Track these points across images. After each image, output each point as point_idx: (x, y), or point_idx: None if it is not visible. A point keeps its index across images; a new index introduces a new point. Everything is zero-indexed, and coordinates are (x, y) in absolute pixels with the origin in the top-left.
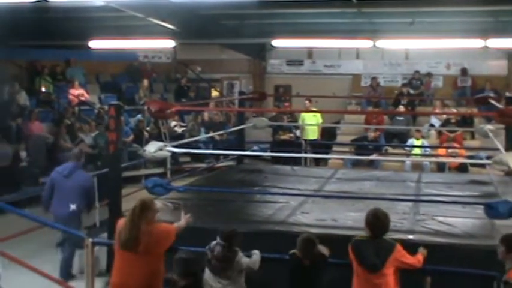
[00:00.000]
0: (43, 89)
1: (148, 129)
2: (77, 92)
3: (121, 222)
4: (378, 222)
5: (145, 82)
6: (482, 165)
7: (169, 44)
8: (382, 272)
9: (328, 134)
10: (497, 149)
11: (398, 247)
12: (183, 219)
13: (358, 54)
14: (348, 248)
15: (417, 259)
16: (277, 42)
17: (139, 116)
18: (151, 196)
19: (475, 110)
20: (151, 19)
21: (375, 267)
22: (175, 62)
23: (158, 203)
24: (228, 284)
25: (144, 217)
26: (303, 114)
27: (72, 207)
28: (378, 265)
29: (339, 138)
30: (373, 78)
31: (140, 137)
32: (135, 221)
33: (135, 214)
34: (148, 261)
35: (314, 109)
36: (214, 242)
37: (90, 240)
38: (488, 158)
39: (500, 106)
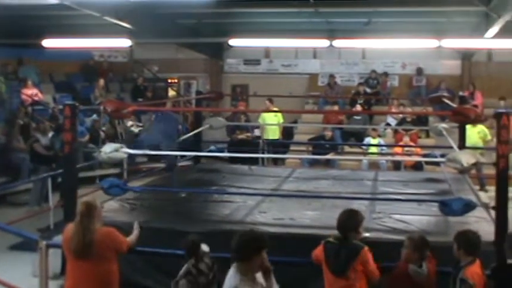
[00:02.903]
0: None
1: (104, 129)
2: (30, 91)
3: (69, 229)
4: (341, 221)
5: (101, 81)
6: (437, 163)
7: (125, 43)
8: (347, 276)
9: (285, 134)
10: (451, 147)
11: (365, 250)
12: (135, 231)
13: (315, 53)
14: (305, 246)
15: (376, 270)
16: (234, 42)
17: (94, 116)
18: (93, 197)
19: (429, 109)
20: (107, 18)
21: (338, 272)
22: (131, 61)
23: (115, 204)
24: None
25: (92, 220)
26: (264, 114)
27: None
28: (341, 270)
29: (296, 138)
30: (331, 76)
31: (96, 137)
32: (86, 226)
33: (83, 219)
34: (102, 266)
35: (275, 109)
36: (186, 266)
37: (44, 242)
38: (442, 156)
39: (454, 105)
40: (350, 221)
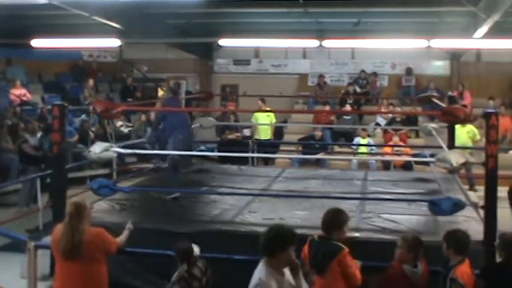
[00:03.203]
0: None
1: (93, 129)
2: (18, 91)
3: (58, 230)
4: (325, 220)
5: (90, 82)
6: (426, 163)
7: (114, 43)
8: (326, 275)
9: (275, 133)
10: (441, 147)
11: (344, 252)
12: (125, 231)
13: (304, 53)
14: (297, 246)
15: (356, 274)
16: (224, 42)
17: (83, 116)
18: (84, 198)
19: (419, 109)
20: (96, 18)
21: (316, 269)
22: (121, 61)
23: (104, 204)
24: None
25: (82, 221)
26: (257, 114)
27: None
28: (320, 269)
29: (286, 138)
30: (320, 77)
31: (85, 138)
32: (76, 227)
33: (73, 219)
34: (91, 267)
35: (267, 109)
36: (179, 272)
37: (33, 243)
38: (431, 156)
39: (443, 105)
40: (334, 219)
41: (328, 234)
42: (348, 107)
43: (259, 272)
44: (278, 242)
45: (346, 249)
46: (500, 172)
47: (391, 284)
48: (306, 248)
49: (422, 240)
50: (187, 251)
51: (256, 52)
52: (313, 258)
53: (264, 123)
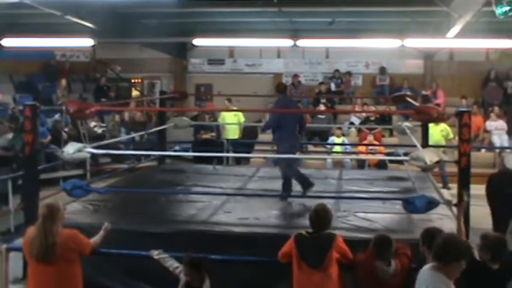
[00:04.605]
0: None
1: (66, 130)
2: None
3: (31, 232)
4: (316, 218)
5: (63, 82)
6: (400, 162)
7: (87, 42)
8: (324, 267)
9: (250, 133)
10: (415, 146)
11: (338, 238)
12: (100, 232)
13: (279, 53)
14: (270, 246)
15: (350, 255)
16: (198, 41)
17: (56, 116)
18: (57, 199)
19: (393, 108)
20: (69, 17)
21: (315, 264)
22: (94, 61)
23: (78, 205)
24: None
25: (55, 223)
26: (223, 114)
27: None
28: (318, 261)
29: (261, 137)
30: (295, 76)
31: (58, 138)
32: (49, 229)
33: (45, 221)
34: (64, 269)
35: (235, 108)
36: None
37: (5, 246)
38: (405, 154)
39: (417, 104)
40: (328, 216)
41: (319, 230)
42: (322, 107)
43: (435, 280)
44: (454, 253)
45: (337, 235)
46: (473, 170)
47: (357, 270)
48: (289, 245)
49: (396, 238)
50: (207, 262)
51: (231, 52)
52: (311, 252)
53: (231, 122)
